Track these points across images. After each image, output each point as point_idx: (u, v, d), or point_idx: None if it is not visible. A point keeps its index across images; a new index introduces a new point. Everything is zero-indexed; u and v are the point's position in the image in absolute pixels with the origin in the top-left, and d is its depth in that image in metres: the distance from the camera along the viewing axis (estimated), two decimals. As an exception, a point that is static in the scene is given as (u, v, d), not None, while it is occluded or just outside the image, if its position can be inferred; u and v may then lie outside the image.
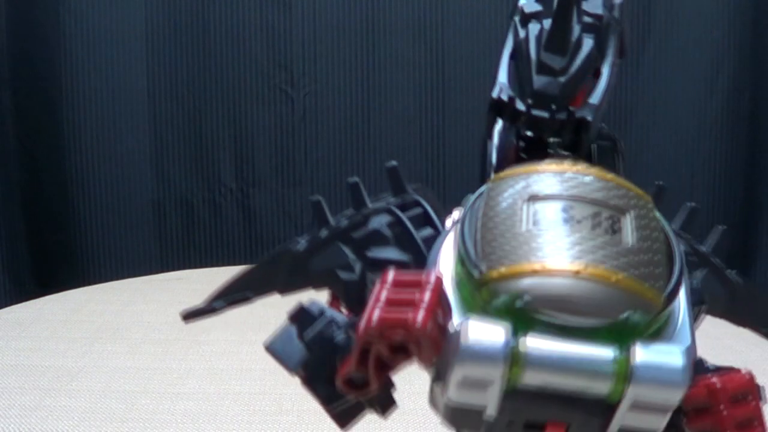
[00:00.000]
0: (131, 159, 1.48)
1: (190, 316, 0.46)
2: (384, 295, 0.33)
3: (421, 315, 0.32)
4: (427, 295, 0.33)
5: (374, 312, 0.33)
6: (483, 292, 0.33)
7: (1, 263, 1.48)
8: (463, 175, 1.46)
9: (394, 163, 0.45)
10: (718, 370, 0.38)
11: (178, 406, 0.80)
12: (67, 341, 0.95)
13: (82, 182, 1.48)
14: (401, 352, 0.33)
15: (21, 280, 1.50)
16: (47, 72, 1.45)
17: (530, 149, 0.44)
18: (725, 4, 1.47)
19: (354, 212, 0.45)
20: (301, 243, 0.45)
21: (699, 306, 0.43)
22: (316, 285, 0.44)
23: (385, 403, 0.40)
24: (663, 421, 0.33)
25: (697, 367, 0.37)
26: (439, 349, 0.33)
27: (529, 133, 0.43)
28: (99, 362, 0.89)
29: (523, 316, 0.32)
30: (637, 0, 1.49)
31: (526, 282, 0.33)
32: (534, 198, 0.35)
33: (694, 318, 0.44)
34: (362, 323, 0.33)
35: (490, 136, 0.44)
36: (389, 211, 0.43)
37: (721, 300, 0.46)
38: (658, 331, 0.34)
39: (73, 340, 0.94)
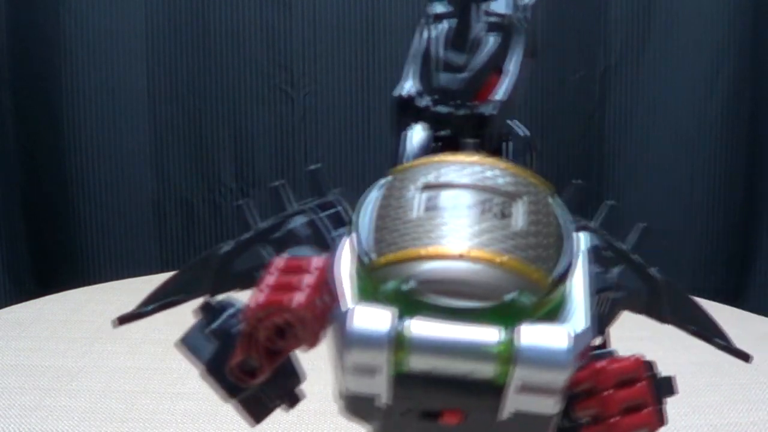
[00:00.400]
0: (131, 159, 1.48)
1: (122, 320, 0.47)
2: (270, 279, 0.34)
3: (300, 296, 0.32)
4: (308, 278, 0.33)
5: (258, 296, 0.33)
6: (372, 279, 0.34)
7: (1, 263, 1.48)
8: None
9: (317, 165, 0.47)
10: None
11: (178, 406, 0.80)
12: (67, 341, 0.95)
13: (82, 182, 1.48)
14: (285, 336, 0.33)
15: (21, 280, 1.50)
16: (47, 72, 1.45)
17: (446, 148, 0.44)
18: (725, 4, 1.47)
19: (277, 214, 0.46)
20: (227, 245, 0.46)
21: (609, 294, 0.43)
22: (241, 286, 0.45)
23: (292, 396, 0.41)
24: (554, 403, 0.33)
25: (606, 355, 0.37)
26: (319, 332, 0.33)
27: (443, 133, 0.44)
28: (99, 362, 0.89)
29: (411, 300, 0.33)
30: (637, 0, 1.49)
31: (412, 267, 0.33)
32: (427, 186, 0.36)
33: (613, 314, 0.44)
34: (247, 308, 0.33)
35: (396, 133, 0.45)
36: (306, 212, 0.45)
37: (641, 296, 0.47)
38: (550, 313, 0.34)
39: (73, 340, 0.94)
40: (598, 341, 0.42)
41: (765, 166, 1.53)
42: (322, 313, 0.33)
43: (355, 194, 0.43)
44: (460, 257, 0.33)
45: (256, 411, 0.41)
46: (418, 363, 0.33)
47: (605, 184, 1.54)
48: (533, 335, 0.32)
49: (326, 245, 0.42)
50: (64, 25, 1.42)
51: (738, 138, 1.53)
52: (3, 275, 1.48)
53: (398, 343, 0.32)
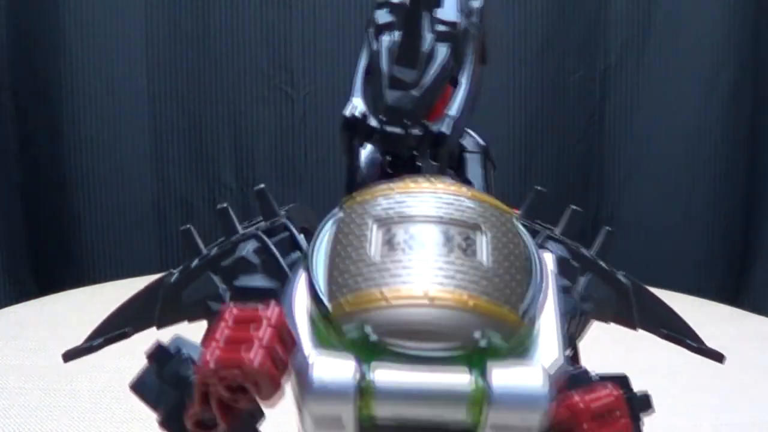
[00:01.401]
0: (131, 159, 1.48)
1: (69, 356, 0.46)
2: (222, 333, 0.32)
3: (256, 354, 0.31)
4: (263, 332, 0.31)
5: (210, 353, 0.31)
6: (331, 325, 0.32)
7: (1, 263, 1.48)
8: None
9: (261, 186, 0.44)
10: (603, 379, 0.36)
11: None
12: (67, 341, 0.94)
13: (82, 182, 1.47)
14: (241, 392, 0.31)
15: (21, 280, 1.50)
16: (47, 72, 1.45)
17: (397, 164, 0.42)
18: (725, 4, 1.47)
19: (224, 239, 0.43)
20: (174, 275, 0.44)
21: (580, 314, 0.42)
22: (190, 317, 0.43)
23: None
24: None
25: (580, 378, 0.36)
26: (278, 387, 0.31)
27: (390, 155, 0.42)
28: (99, 362, 0.89)
29: (375, 348, 0.31)
30: (637, 0, 1.49)
31: (372, 314, 0.31)
32: (383, 221, 0.34)
33: (582, 326, 0.43)
34: (198, 364, 0.31)
35: (347, 154, 0.42)
36: (256, 237, 0.42)
37: (611, 304, 0.45)
38: (523, 349, 0.33)
39: (73, 340, 0.94)
40: (568, 353, 0.41)
41: (765, 166, 1.53)
42: (280, 368, 0.31)
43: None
44: (427, 301, 0.31)
45: None
46: (384, 411, 0.31)
47: (605, 184, 1.54)
48: (506, 377, 0.31)
49: (278, 272, 0.40)
50: (64, 25, 1.42)
51: (738, 138, 1.52)
52: (3, 275, 1.48)
53: (363, 392, 0.31)
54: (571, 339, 0.42)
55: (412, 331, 0.31)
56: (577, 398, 0.34)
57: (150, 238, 1.50)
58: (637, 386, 0.39)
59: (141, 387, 0.39)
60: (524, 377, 0.31)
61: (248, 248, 0.41)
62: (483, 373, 0.31)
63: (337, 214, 0.36)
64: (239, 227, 0.44)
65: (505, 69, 1.47)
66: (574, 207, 0.44)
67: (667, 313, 0.50)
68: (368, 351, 0.31)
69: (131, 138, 1.47)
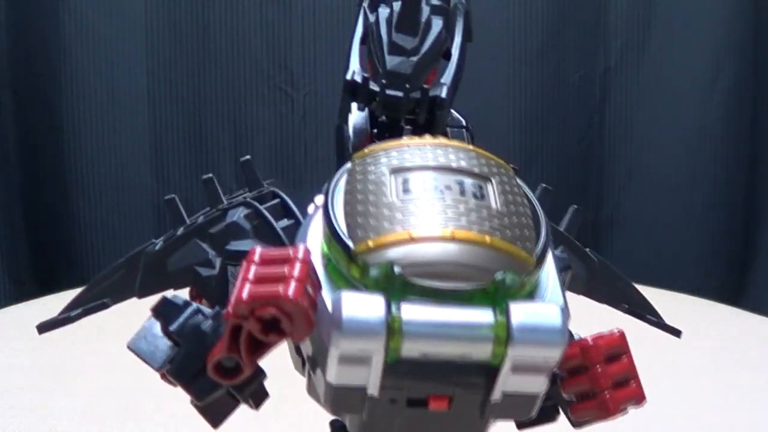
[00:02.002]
0: (131, 159, 1.48)
1: (44, 327, 0.46)
2: (252, 272, 0.32)
3: (292, 287, 0.31)
4: (297, 268, 0.32)
5: (243, 289, 0.32)
6: (353, 267, 0.33)
7: (1, 263, 1.48)
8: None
9: (247, 157, 0.46)
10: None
11: (178, 407, 0.80)
12: (67, 341, 0.95)
13: (82, 182, 1.48)
14: (274, 330, 0.32)
15: (21, 280, 1.50)
16: (47, 72, 1.45)
17: (384, 135, 0.44)
18: (725, 4, 1.47)
19: (210, 209, 0.45)
20: (158, 243, 0.45)
21: (566, 271, 0.43)
22: (176, 284, 0.44)
23: (257, 395, 0.39)
24: (544, 382, 0.33)
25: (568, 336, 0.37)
26: (311, 323, 0.32)
27: (383, 119, 0.43)
28: (99, 362, 0.89)
29: (398, 286, 0.32)
30: (637, 0, 1.49)
31: (397, 251, 0.32)
32: (398, 170, 0.35)
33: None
34: (232, 301, 0.32)
35: (345, 120, 0.44)
36: (247, 204, 0.43)
37: (581, 278, 0.47)
38: (530, 292, 0.34)
39: (73, 340, 0.94)
40: None
41: (765, 166, 1.53)
42: (312, 305, 0.32)
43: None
44: (447, 239, 0.32)
45: (218, 412, 0.40)
46: (411, 349, 0.32)
47: (605, 184, 1.54)
48: (527, 314, 0.32)
49: (270, 237, 0.41)
50: (64, 25, 1.42)
51: (738, 138, 1.53)
52: (3, 275, 1.48)
53: (391, 329, 0.31)
54: None
55: (431, 268, 0.32)
56: (588, 340, 0.36)
57: (150, 238, 1.50)
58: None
59: (138, 345, 0.39)
60: (543, 315, 0.32)
61: (239, 214, 0.43)
62: (504, 311, 0.32)
63: (347, 168, 0.37)
64: (224, 198, 0.45)
65: (505, 69, 1.47)
66: (545, 185, 0.46)
67: (630, 289, 0.52)
68: (393, 289, 0.32)
69: (131, 138, 1.47)
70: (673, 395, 0.85)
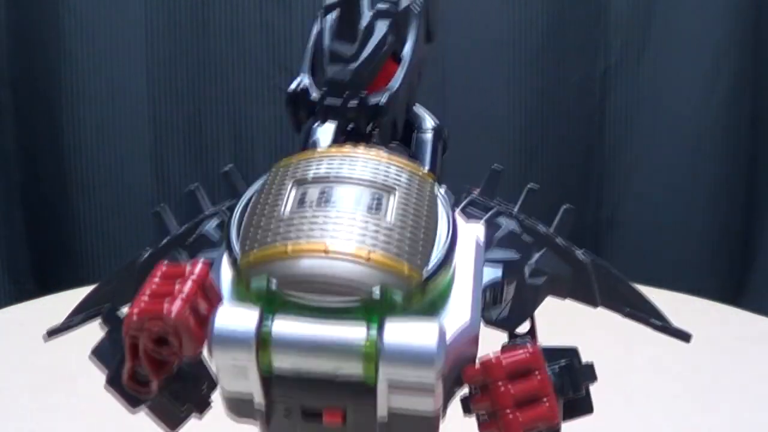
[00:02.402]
0: (131, 159, 1.48)
1: (51, 333, 0.48)
2: (150, 287, 0.33)
3: (175, 305, 0.32)
4: (186, 286, 0.33)
5: (137, 304, 0.33)
6: (241, 278, 0.33)
7: (1, 263, 1.48)
8: (461, 171, 1.44)
9: (230, 165, 0.46)
10: (550, 351, 0.37)
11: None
12: (67, 341, 0.94)
13: (82, 182, 1.47)
14: (166, 345, 0.33)
15: (21, 280, 1.50)
16: (47, 72, 1.45)
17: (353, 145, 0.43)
18: (725, 4, 1.47)
19: (193, 219, 0.45)
20: (146, 253, 0.46)
21: (529, 288, 0.42)
22: None
23: (198, 403, 0.40)
24: (430, 402, 0.33)
25: (518, 344, 0.36)
26: (200, 341, 0.32)
27: (351, 127, 0.43)
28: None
29: (277, 299, 0.32)
30: (637, 0, 1.49)
31: (275, 265, 0.32)
32: (300, 181, 0.36)
33: (534, 300, 0.43)
34: (126, 316, 0.33)
35: (296, 130, 0.44)
36: (219, 214, 0.44)
37: (566, 280, 0.45)
38: (431, 307, 0.34)
39: (73, 341, 0.94)
40: (526, 328, 0.42)
41: (765, 166, 1.53)
42: (202, 321, 0.33)
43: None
44: (325, 254, 0.32)
45: (169, 418, 0.41)
46: (282, 362, 0.32)
47: (605, 184, 1.54)
48: (399, 332, 0.32)
49: None
50: (64, 25, 1.42)
51: (739, 138, 1.52)
52: (3, 275, 1.48)
53: (262, 342, 0.32)
54: (523, 313, 0.42)
55: (310, 282, 0.32)
56: (491, 355, 0.34)
57: (150, 238, 1.50)
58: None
59: (99, 352, 0.42)
60: (417, 333, 0.32)
61: (210, 225, 0.44)
62: (380, 328, 0.32)
63: (264, 176, 0.38)
64: (205, 208, 0.46)
65: (505, 69, 1.47)
66: (531, 185, 0.46)
67: (631, 292, 0.49)
68: (272, 303, 0.32)
69: (131, 138, 1.47)
70: (674, 395, 0.85)
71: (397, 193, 0.35)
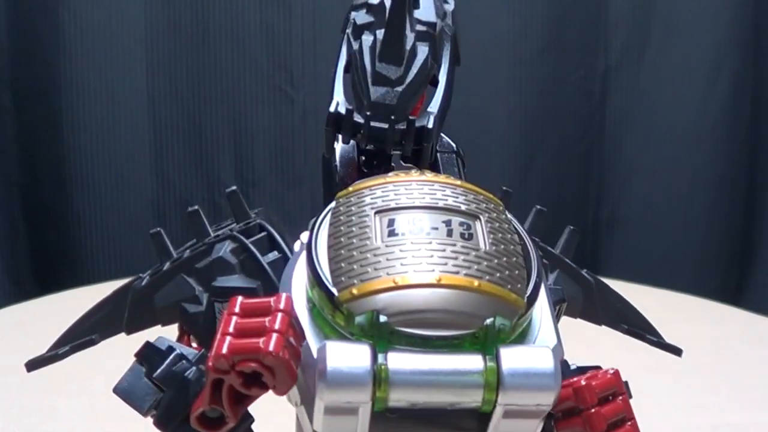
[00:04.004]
0: (131, 159, 1.48)
1: (33, 365, 0.46)
2: (232, 323, 0.31)
3: (273, 341, 0.30)
4: (278, 320, 0.31)
5: (224, 342, 0.31)
6: (338, 314, 0.32)
7: (1, 263, 1.48)
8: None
9: (233, 188, 0.44)
10: (582, 370, 0.37)
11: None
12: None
13: (82, 182, 1.47)
14: (255, 383, 0.31)
15: (21, 280, 1.50)
16: (47, 72, 1.45)
17: (371, 163, 0.43)
18: (725, 4, 1.47)
19: (196, 242, 0.43)
20: (144, 278, 0.43)
21: (560, 304, 0.43)
22: (163, 321, 0.43)
23: None
24: (537, 425, 0.33)
25: (562, 368, 0.36)
26: (294, 376, 0.31)
27: (369, 147, 0.42)
28: (99, 362, 0.89)
29: (384, 334, 0.31)
30: (637, 0, 1.49)
31: (382, 299, 0.32)
32: (383, 211, 0.34)
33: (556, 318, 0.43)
34: (212, 355, 0.31)
35: (330, 152, 0.43)
36: (233, 238, 0.42)
37: (577, 300, 0.46)
38: (522, 334, 0.34)
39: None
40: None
41: (765, 166, 1.53)
42: (295, 357, 0.31)
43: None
44: (434, 285, 0.32)
45: None
46: (399, 398, 0.31)
47: (605, 184, 1.54)
48: (518, 359, 0.31)
49: (256, 272, 0.40)
50: (64, 25, 1.42)
51: (738, 138, 1.52)
52: (3, 275, 1.48)
53: (378, 379, 0.31)
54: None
55: (422, 313, 0.32)
56: (581, 381, 0.35)
57: (149, 239, 1.50)
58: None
59: (124, 389, 0.39)
60: (534, 359, 0.32)
61: (225, 249, 0.41)
62: (494, 357, 0.31)
63: (331, 208, 0.36)
64: (210, 230, 0.44)
65: (505, 69, 1.47)
66: (539, 207, 0.45)
67: (628, 309, 0.51)
68: (380, 338, 0.31)
69: (131, 138, 1.47)
70: (674, 395, 0.85)
71: (482, 219, 0.34)
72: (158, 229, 0.45)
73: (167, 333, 0.41)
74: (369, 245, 0.33)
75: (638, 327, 0.50)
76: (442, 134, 0.46)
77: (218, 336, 0.31)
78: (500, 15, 1.45)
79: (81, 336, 0.46)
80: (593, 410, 0.34)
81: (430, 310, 0.32)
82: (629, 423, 0.35)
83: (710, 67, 1.49)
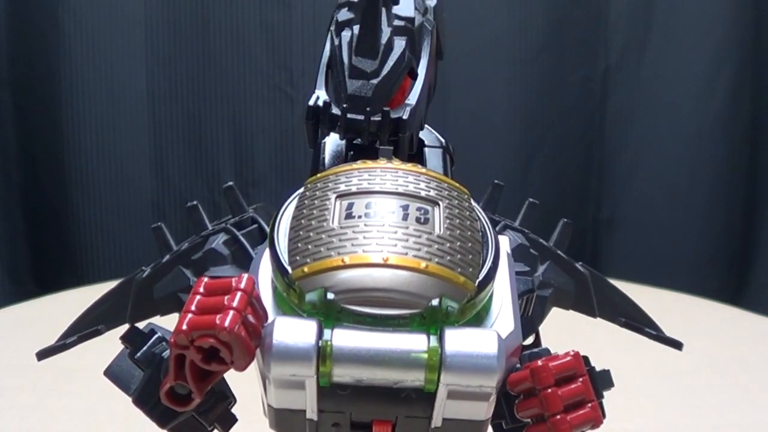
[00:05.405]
0: (131, 159, 1.48)
1: (43, 354, 0.47)
2: (195, 302, 0.33)
3: (229, 317, 0.31)
4: (236, 299, 0.32)
5: (184, 319, 0.32)
6: (292, 292, 0.33)
7: (1, 263, 1.48)
8: (461, 170, 1.44)
9: (230, 183, 0.46)
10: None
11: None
12: (67, 341, 0.94)
13: (82, 182, 1.48)
14: (215, 359, 0.32)
15: (21, 280, 1.50)
16: (47, 72, 1.45)
17: (359, 158, 0.43)
18: (725, 4, 1.47)
19: (195, 235, 0.45)
20: (146, 271, 0.45)
21: (538, 293, 0.43)
22: (162, 311, 0.44)
23: (224, 420, 0.40)
24: (484, 408, 0.33)
25: (541, 354, 0.37)
26: (252, 353, 0.32)
27: (357, 141, 0.43)
28: (99, 362, 0.89)
29: (333, 311, 0.32)
30: (637, 0, 1.49)
31: (331, 277, 0.33)
32: (344, 195, 0.36)
33: (541, 312, 0.44)
34: (174, 331, 0.32)
35: (311, 145, 0.44)
36: (226, 230, 0.44)
37: (569, 292, 0.47)
38: (477, 317, 0.34)
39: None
40: (530, 340, 0.43)
41: (765, 166, 1.53)
42: (252, 333, 0.32)
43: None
44: (384, 265, 0.33)
45: None
46: (343, 374, 0.32)
47: (605, 184, 1.54)
48: (461, 341, 0.32)
49: (247, 262, 0.41)
50: (64, 25, 1.42)
51: (738, 138, 1.52)
52: (3, 275, 1.48)
53: (322, 354, 0.32)
54: (531, 324, 0.43)
55: (369, 292, 0.33)
56: (538, 361, 0.35)
57: (150, 238, 1.50)
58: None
59: (113, 372, 0.41)
60: (478, 342, 0.32)
61: (218, 241, 0.44)
62: (439, 337, 0.32)
63: (299, 192, 0.37)
64: (209, 224, 0.46)
65: (505, 69, 1.47)
66: (532, 200, 0.46)
67: (626, 303, 0.51)
68: (328, 315, 0.33)
69: (131, 138, 1.48)
70: (674, 395, 0.85)
71: (441, 205, 0.35)
72: (159, 223, 0.47)
73: (166, 323, 0.42)
74: (325, 227, 0.34)
75: (637, 320, 0.51)
76: (431, 129, 0.47)
77: (182, 313, 0.32)
78: (500, 15, 1.45)
79: (87, 327, 0.47)
80: (549, 390, 0.35)
81: (376, 288, 0.33)
82: (589, 405, 0.35)
83: (710, 67, 1.49)
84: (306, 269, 0.33)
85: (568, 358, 0.35)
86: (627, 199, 1.54)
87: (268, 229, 0.42)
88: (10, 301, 1.29)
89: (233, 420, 0.41)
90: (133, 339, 0.40)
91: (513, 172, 1.47)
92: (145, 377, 0.39)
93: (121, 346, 0.41)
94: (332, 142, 0.45)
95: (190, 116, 1.48)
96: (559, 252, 0.47)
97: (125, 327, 0.44)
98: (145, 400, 0.39)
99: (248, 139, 1.49)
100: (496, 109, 1.47)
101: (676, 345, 0.50)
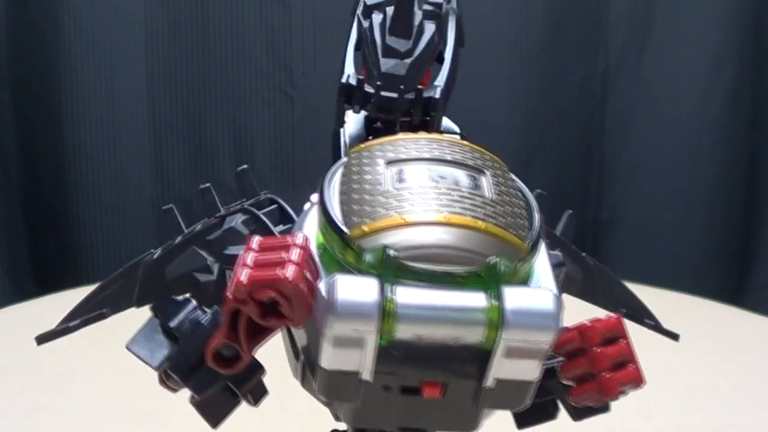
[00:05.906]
0: (131, 159, 1.48)
1: (44, 338, 0.47)
2: (250, 258, 0.33)
3: (291, 270, 0.32)
4: (295, 253, 0.32)
5: (242, 272, 0.32)
6: (349, 252, 0.33)
7: (1, 263, 1.48)
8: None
9: (244, 166, 0.47)
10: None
11: (178, 407, 0.80)
12: (67, 341, 0.94)
13: (82, 182, 1.48)
14: (272, 314, 0.32)
15: (21, 280, 1.50)
16: (47, 72, 1.45)
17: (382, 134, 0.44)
18: (725, 4, 1.47)
19: (207, 218, 0.45)
20: (156, 252, 0.45)
21: (560, 268, 0.44)
22: (174, 292, 0.44)
23: (256, 391, 0.40)
24: (537, 368, 0.34)
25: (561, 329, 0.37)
26: (310, 307, 0.32)
27: (378, 125, 0.44)
28: (99, 362, 0.89)
29: (392, 269, 0.33)
30: (637, 0, 1.49)
31: (391, 236, 0.33)
32: (393, 161, 0.36)
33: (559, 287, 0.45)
34: (231, 285, 0.32)
35: (340, 123, 0.45)
36: (244, 210, 0.44)
37: (577, 279, 0.48)
38: (524, 280, 0.35)
39: (73, 340, 0.94)
40: None
41: (765, 166, 1.53)
42: (311, 290, 0.33)
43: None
44: (445, 223, 0.33)
45: (216, 412, 0.40)
46: (405, 331, 0.32)
47: (605, 184, 1.54)
48: (520, 298, 0.33)
49: None
50: (64, 25, 1.42)
51: (738, 137, 1.52)
52: (3, 275, 1.48)
53: (385, 312, 0.32)
54: None
55: (429, 249, 0.33)
56: (586, 323, 0.36)
57: (150, 238, 1.50)
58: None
59: (137, 343, 0.40)
60: (536, 299, 0.33)
61: (237, 220, 0.44)
62: (497, 295, 0.33)
63: (343, 162, 0.37)
64: (221, 207, 0.46)
65: (505, 68, 1.47)
66: (539, 190, 0.47)
67: (627, 294, 0.52)
68: (388, 273, 0.33)
69: (131, 138, 1.48)
70: (674, 395, 0.85)
71: (488, 173, 0.36)
72: (171, 205, 0.47)
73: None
74: (380, 189, 0.34)
75: (637, 312, 0.52)
76: (446, 118, 0.48)
77: (236, 268, 0.32)
78: (500, 14, 1.45)
79: (91, 310, 0.47)
80: (597, 350, 0.36)
81: (437, 246, 0.33)
82: (632, 365, 0.37)
83: (710, 66, 1.49)
84: (365, 228, 0.33)
85: (613, 319, 0.37)
86: (627, 199, 1.54)
87: (288, 209, 0.44)
88: (10, 301, 1.29)
89: (265, 392, 0.41)
90: (166, 309, 0.40)
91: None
92: (181, 344, 0.39)
93: (133, 328, 0.41)
94: (351, 126, 0.46)
95: (190, 116, 1.48)
96: (566, 241, 0.48)
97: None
98: (182, 368, 0.38)
99: (248, 139, 1.49)
100: (496, 109, 1.47)
101: (673, 336, 0.51)
